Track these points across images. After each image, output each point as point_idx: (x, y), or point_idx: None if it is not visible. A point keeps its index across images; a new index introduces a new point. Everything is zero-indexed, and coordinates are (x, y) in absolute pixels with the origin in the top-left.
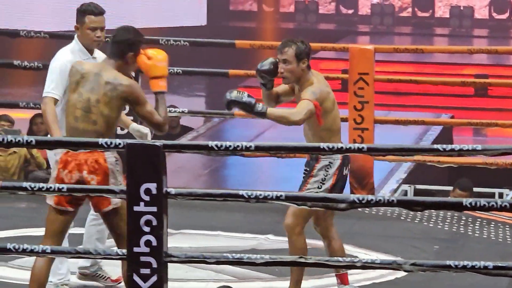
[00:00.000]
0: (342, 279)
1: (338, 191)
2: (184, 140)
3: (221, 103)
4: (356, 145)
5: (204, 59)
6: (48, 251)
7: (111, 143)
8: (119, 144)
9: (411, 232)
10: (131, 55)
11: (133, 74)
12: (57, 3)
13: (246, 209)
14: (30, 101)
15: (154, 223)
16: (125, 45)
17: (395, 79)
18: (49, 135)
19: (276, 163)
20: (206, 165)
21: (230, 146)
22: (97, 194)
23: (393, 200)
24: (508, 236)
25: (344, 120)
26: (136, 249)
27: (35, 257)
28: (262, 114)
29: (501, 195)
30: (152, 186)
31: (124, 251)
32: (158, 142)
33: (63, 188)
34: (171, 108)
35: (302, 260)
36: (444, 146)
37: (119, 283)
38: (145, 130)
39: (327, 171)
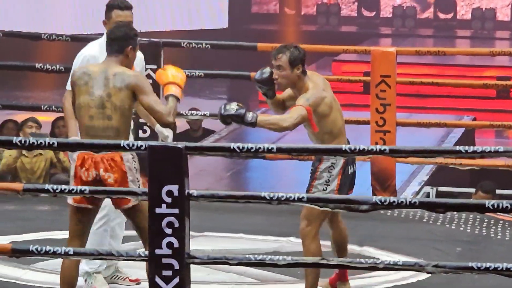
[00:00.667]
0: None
1: (346, 191)
2: (206, 142)
3: (244, 106)
4: (378, 147)
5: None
6: (71, 252)
7: (133, 145)
8: (141, 146)
9: (434, 234)
10: (130, 49)
11: None
12: (79, 7)
13: (268, 212)
14: (52, 104)
15: (176, 225)
16: (122, 40)
17: (417, 82)
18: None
19: (297, 165)
20: (228, 167)
21: (252, 148)
22: (119, 196)
23: (415, 202)
24: None
25: (366, 122)
26: (158, 251)
27: (57, 259)
28: (253, 124)
29: None
30: (174, 188)
31: (146, 252)
32: (180, 144)
33: (85, 190)
34: (193, 111)
35: (324, 261)
36: (466, 148)
37: (138, 283)
38: (167, 132)
39: (330, 172)
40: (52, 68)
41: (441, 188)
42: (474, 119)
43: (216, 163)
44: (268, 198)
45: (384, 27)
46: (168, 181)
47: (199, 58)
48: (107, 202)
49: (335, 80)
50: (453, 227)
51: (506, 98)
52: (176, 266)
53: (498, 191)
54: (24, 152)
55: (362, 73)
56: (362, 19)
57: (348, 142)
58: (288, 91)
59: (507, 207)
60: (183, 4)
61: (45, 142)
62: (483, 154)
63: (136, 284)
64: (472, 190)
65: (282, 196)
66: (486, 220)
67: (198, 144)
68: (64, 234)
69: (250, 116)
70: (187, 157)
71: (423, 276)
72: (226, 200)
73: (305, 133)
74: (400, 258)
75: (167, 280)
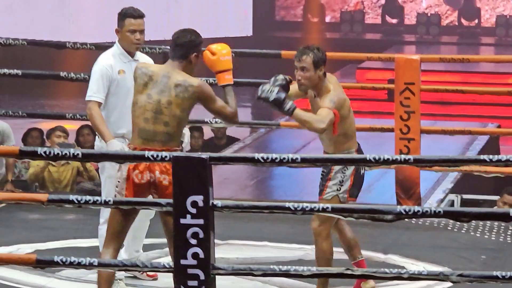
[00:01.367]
0: (360, 267)
1: (357, 191)
2: (230, 150)
3: (267, 113)
4: (403, 157)
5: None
6: (95, 263)
7: (157, 155)
8: (165, 156)
9: (458, 242)
10: (194, 56)
11: None
12: (102, 15)
13: (292, 220)
14: (76, 112)
15: (201, 235)
16: (188, 47)
17: (441, 89)
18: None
19: None
20: (252, 176)
21: (276, 158)
22: (144, 207)
23: (439, 211)
24: None
25: (390, 130)
26: (183, 262)
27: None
28: (289, 113)
29: None
30: (199, 199)
31: (172, 263)
32: (205, 155)
33: (109, 201)
34: (216, 119)
35: (349, 272)
36: (491, 156)
37: (155, 279)
38: (184, 131)
39: (344, 173)
40: (77, 76)
41: (465, 196)
42: (499, 127)
43: (240, 171)
44: (292, 208)
45: (408, 34)
46: (192, 192)
47: None
48: None
49: (359, 87)
50: (477, 235)
51: None
52: (202, 277)
53: None
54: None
55: (386, 81)
56: (386, 26)
57: (359, 145)
58: (294, 87)
59: None
60: (208, 12)
61: (69, 153)
62: (508, 163)
63: (153, 279)
64: (497, 197)
65: (307, 206)
66: (510, 228)
67: (223, 154)
68: (89, 242)
69: (288, 105)
70: (211, 168)
71: (448, 284)
72: (251, 211)
73: None
74: (425, 266)
75: None
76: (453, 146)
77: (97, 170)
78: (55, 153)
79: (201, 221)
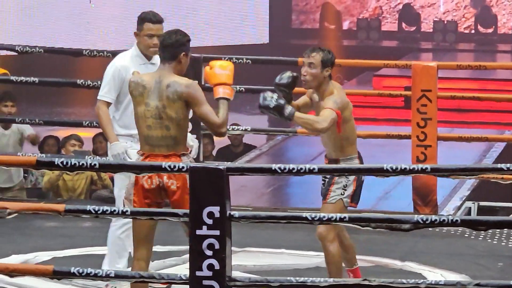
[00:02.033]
0: (355, 274)
1: (358, 197)
2: (246, 158)
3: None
4: (420, 166)
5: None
6: (112, 275)
7: (174, 166)
8: (182, 167)
9: (475, 249)
10: (183, 55)
11: None
12: (119, 23)
13: (309, 227)
14: (93, 120)
15: (217, 246)
16: (175, 47)
17: (458, 96)
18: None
19: None
20: (269, 183)
21: (293, 168)
22: (161, 217)
23: (457, 220)
24: None
25: (407, 137)
26: (198, 273)
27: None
28: (289, 119)
29: None
30: (215, 210)
31: (188, 275)
32: (222, 166)
33: (127, 211)
34: (234, 126)
35: (366, 282)
36: (508, 165)
37: (168, 287)
38: (192, 142)
39: (348, 177)
40: (94, 84)
41: (482, 203)
42: None
43: (257, 179)
44: (310, 218)
45: (424, 41)
46: (209, 203)
47: (240, 73)
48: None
49: (376, 94)
50: (494, 242)
51: None
52: None
53: None
54: None
55: (403, 88)
56: (403, 33)
57: (359, 153)
58: (304, 98)
59: None
60: (224, 20)
61: (86, 163)
62: None
63: (166, 287)
64: None
65: (324, 217)
66: None
67: (240, 165)
68: (106, 250)
69: (288, 110)
70: (228, 178)
71: None
72: (268, 221)
73: None
74: (442, 273)
75: None
76: (470, 153)
77: (111, 179)
78: (72, 164)
79: (217, 232)
